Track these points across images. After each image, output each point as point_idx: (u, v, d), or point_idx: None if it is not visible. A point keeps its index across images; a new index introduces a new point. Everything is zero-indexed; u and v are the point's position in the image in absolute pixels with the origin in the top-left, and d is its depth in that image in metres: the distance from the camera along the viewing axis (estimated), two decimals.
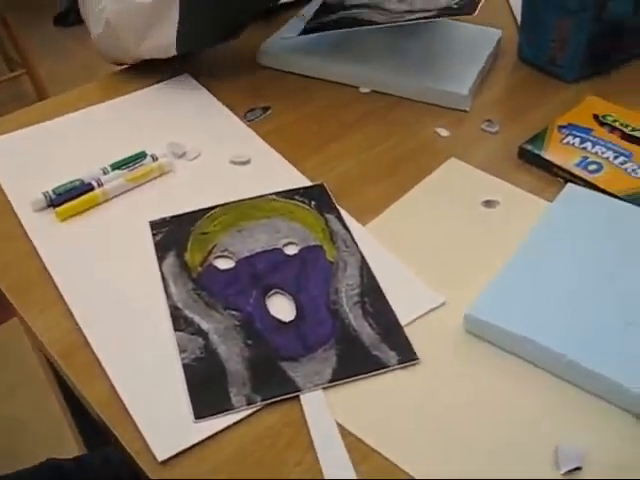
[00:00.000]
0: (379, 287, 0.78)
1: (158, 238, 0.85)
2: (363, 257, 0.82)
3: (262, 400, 0.68)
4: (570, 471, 0.63)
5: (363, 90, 1.11)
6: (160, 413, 0.68)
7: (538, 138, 0.98)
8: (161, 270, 0.81)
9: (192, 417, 0.67)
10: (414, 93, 1.08)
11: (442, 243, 0.85)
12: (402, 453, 0.65)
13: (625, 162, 0.94)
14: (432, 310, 0.77)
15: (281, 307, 0.77)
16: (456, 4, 1.06)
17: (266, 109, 1.06)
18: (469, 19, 1.24)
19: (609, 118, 1.02)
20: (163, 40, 1.06)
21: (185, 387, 0.70)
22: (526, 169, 0.96)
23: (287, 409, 0.68)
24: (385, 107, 1.07)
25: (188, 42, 1.07)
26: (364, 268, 0.80)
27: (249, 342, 0.73)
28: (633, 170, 0.93)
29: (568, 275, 0.78)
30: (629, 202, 0.88)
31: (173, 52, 1.07)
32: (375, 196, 0.91)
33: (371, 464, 0.65)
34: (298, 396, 0.69)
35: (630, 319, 0.73)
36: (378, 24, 1.07)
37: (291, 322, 0.75)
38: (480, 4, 1.03)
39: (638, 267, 0.79)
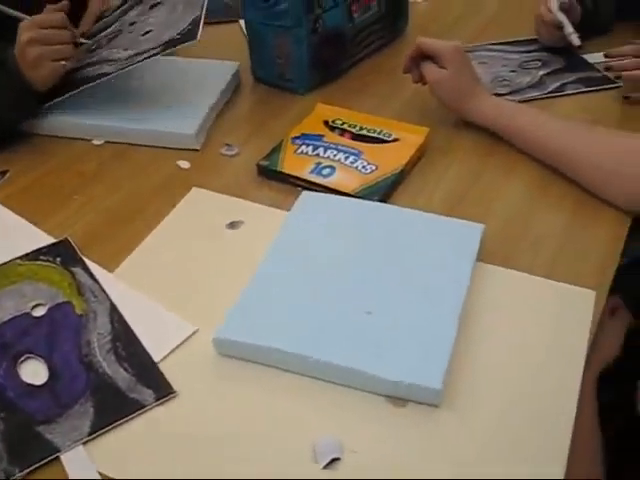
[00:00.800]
0: (130, 330, 0.79)
1: None
2: (112, 304, 0.82)
3: (21, 470, 0.67)
4: (330, 463, 0.66)
5: (97, 142, 1.10)
6: None
7: (274, 153, 1.02)
8: None
9: None
10: (144, 139, 1.09)
11: (192, 273, 0.86)
12: None
13: (355, 161, 1.00)
14: (186, 340, 0.78)
15: (34, 371, 0.76)
16: (178, 34, 1.08)
17: (4, 173, 1.04)
18: (209, 54, 1.28)
19: (338, 122, 1.08)
20: None
21: None
22: (266, 184, 1.00)
23: (51, 472, 0.67)
24: (122, 153, 1.08)
25: None
26: (114, 314, 0.81)
27: (2, 414, 0.71)
28: (363, 167, 0.98)
29: (310, 278, 0.81)
30: (361, 198, 0.93)
31: None
32: (122, 241, 0.91)
33: None
34: (59, 457, 0.68)
35: (369, 308, 0.77)
36: (107, 74, 1.08)
37: (44, 384, 0.74)
38: (200, 29, 1.05)
39: (372, 257, 0.83)
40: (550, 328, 0.79)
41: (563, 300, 0.82)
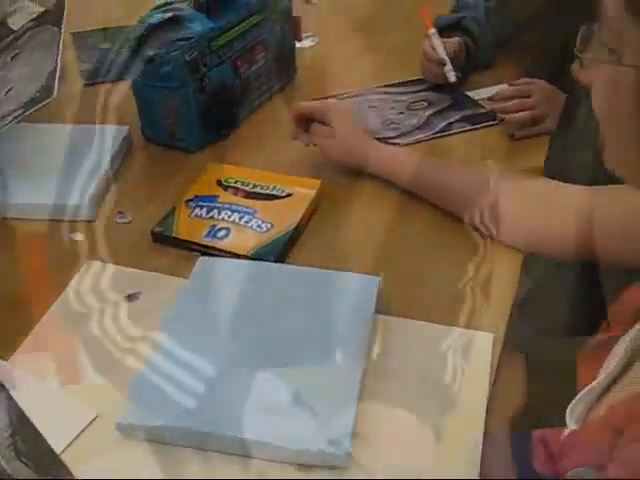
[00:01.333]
0: (29, 421, 0.76)
1: None
2: (9, 395, 0.79)
3: None
4: None
5: None
6: None
7: (168, 218, 1.01)
8: None
9: None
10: (34, 213, 1.06)
11: (91, 352, 0.84)
12: None
13: (250, 220, 1.00)
14: (88, 426, 0.76)
15: None
16: (37, 92, 1.06)
17: None
18: (99, 115, 1.26)
19: (231, 180, 1.07)
20: None
21: None
22: (163, 251, 0.99)
23: None
24: (12, 229, 1.04)
25: None
26: (11, 406, 0.78)
27: None
28: (258, 226, 0.98)
29: (209, 348, 0.80)
30: (257, 258, 0.93)
31: None
32: (17, 324, 0.88)
33: None
34: None
35: (270, 375, 0.77)
36: None
37: None
38: (56, 83, 1.04)
39: (270, 320, 0.84)
40: (451, 375, 0.80)
41: (463, 345, 0.83)
